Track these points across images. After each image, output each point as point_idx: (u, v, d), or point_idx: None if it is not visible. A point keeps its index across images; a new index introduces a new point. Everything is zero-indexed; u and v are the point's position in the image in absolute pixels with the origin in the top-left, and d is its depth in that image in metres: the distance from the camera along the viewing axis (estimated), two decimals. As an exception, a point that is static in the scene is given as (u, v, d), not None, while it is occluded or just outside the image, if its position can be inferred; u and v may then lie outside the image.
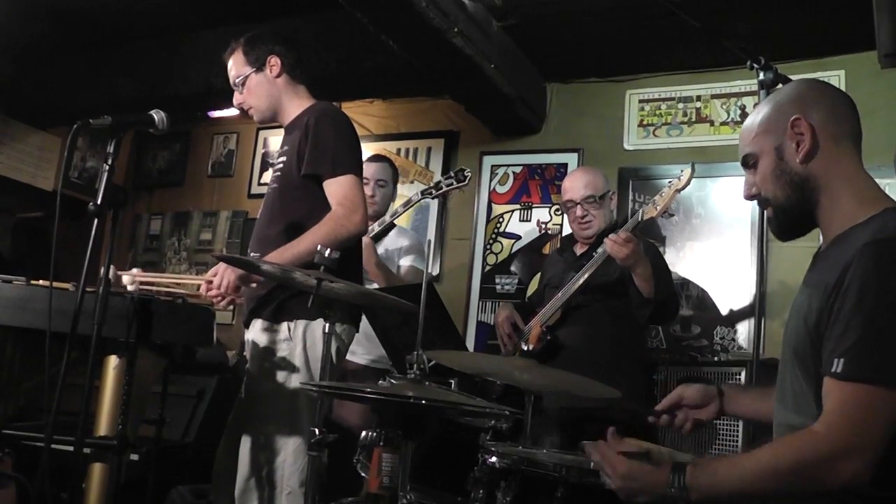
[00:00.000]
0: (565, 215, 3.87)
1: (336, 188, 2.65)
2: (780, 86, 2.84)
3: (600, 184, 3.41)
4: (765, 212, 1.78)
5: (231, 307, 2.72)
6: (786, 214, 1.71)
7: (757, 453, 1.51)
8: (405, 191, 4.90)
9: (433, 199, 3.92)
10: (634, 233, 3.08)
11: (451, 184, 3.81)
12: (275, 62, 2.83)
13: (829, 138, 1.65)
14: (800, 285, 1.71)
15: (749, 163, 1.75)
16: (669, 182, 3.14)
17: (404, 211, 3.85)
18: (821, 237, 1.71)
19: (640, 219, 3.10)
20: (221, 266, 2.56)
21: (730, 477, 1.49)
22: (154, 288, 2.66)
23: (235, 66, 2.86)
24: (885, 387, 1.39)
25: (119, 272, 2.53)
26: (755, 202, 1.78)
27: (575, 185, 3.41)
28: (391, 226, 3.86)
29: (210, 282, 2.55)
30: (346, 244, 2.57)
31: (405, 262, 3.79)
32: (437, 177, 4.43)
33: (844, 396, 1.42)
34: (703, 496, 1.50)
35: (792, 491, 1.46)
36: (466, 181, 3.82)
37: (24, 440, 2.49)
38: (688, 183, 3.08)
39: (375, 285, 3.52)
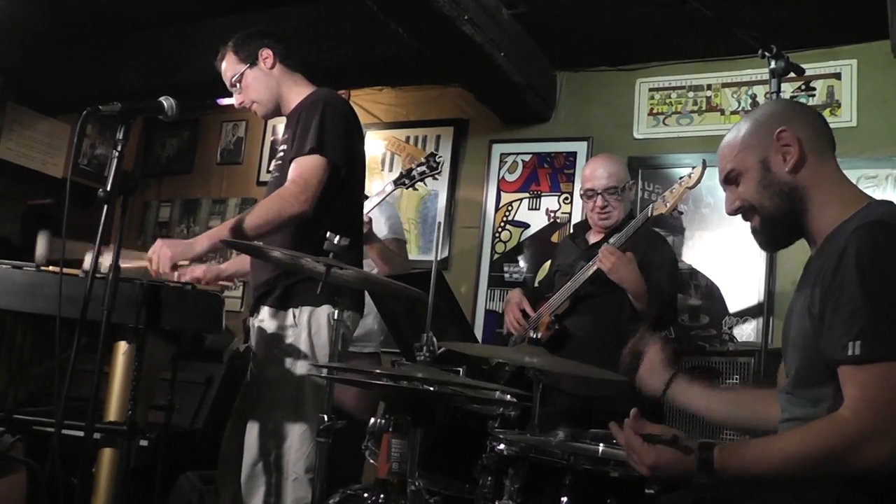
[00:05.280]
0: (580, 201, 3.78)
1: (296, 165, 2.63)
2: (784, 76, 2.84)
3: (623, 174, 3.36)
4: (749, 224, 1.81)
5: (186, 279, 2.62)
6: (773, 224, 1.75)
7: (784, 438, 1.54)
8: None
9: (407, 188, 3.81)
10: (642, 230, 3.09)
11: (424, 172, 3.74)
12: (267, 54, 2.84)
13: (814, 149, 1.70)
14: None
15: (731, 178, 1.78)
16: (680, 179, 3.10)
17: (379, 202, 3.73)
18: (809, 246, 1.73)
19: (649, 215, 3.08)
20: (158, 243, 2.52)
21: (758, 462, 1.50)
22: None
23: (229, 66, 2.88)
24: None
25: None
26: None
27: (597, 173, 3.33)
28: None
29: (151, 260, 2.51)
30: (289, 224, 2.58)
31: (385, 236, 3.73)
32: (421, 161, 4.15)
33: (865, 379, 1.42)
34: (731, 479, 1.52)
35: (820, 476, 1.47)
36: (439, 167, 3.73)
37: (34, 425, 2.50)
38: (698, 181, 3.03)
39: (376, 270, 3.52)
